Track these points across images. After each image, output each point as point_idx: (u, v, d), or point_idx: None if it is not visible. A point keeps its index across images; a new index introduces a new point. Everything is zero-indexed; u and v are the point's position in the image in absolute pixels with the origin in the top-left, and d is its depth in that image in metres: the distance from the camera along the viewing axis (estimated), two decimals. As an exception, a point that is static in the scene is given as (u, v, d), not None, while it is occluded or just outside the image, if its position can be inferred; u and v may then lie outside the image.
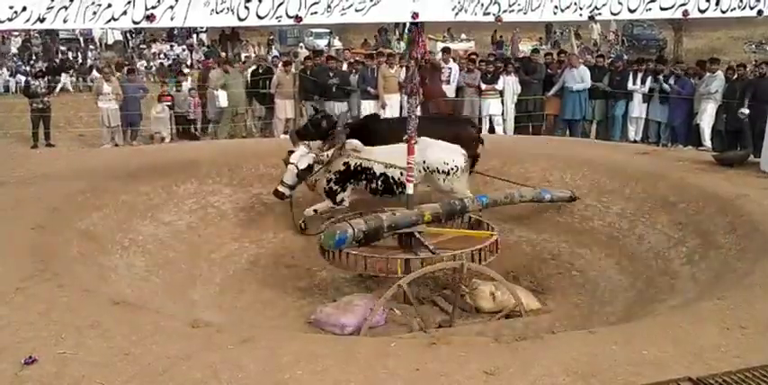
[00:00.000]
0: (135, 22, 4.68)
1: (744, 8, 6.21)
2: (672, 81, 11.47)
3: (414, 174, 6.04)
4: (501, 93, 12.18)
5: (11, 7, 4.36)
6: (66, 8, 4.47)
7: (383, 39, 27.27)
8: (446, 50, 13.31)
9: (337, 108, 12.16)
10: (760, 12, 6.28)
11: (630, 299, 5.63)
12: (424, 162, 6.45)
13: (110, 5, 4.54)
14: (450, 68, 12.33)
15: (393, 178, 6.55)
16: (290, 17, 4.97)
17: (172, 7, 4.67)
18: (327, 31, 27.36)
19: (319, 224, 6.45)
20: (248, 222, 6.91)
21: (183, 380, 3.21)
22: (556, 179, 7.33)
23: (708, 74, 11.11)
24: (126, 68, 14.34)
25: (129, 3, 4.58)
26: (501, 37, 27.01)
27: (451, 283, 6.17)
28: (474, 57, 13.69)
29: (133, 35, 26.19)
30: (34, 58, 22.82)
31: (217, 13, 4.78)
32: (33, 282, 4.19)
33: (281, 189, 6.45)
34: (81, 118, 14.01)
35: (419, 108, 7.10)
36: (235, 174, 7.27)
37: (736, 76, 11.07)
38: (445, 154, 6.55)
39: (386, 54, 13.53)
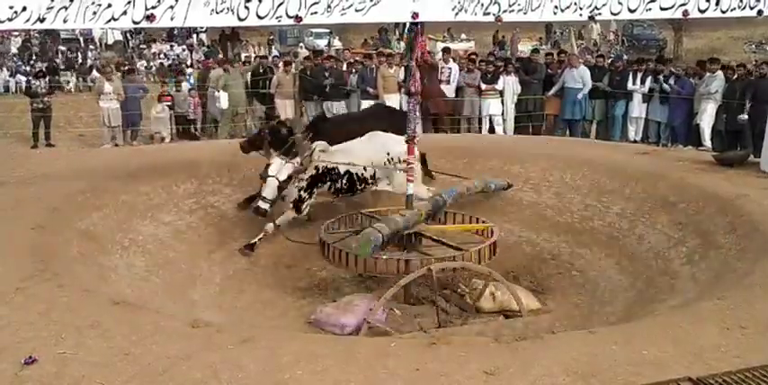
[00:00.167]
0: (135, 22, 4.68)
1: (744, 8, 6.21)
2: (672, 81, 11.48)
3: (379, 167, 6.24)
4: (501, 93, 12.19)
5: (11, 7, 4.36)
6: (66, 8, 4.47)
7: (383, 38, 27.26)
8: (446, 50, 13.32)
9: (335, 108, 12.18)
10: (760, 12, 6.28)
11: (630, 299, 5.63)
12: (389, 154, 6.50)
13: (110, 5, 4.54)
14: (450, 68, 12.34)
15: (357, 175, 6.52)
16: (290, 17, 4.97)
17: (172, 7, 4.67)
18: (327, 31, 27.36)
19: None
20: (248, 222, 6.91)
21: (183, 380, 3.21)
22: (556, 179, 7.33)
23: (708, 74, 11.12)
24: (126, 68, 14.35)
25: (129, 3, 4.58)
26: (503, 37, 26.98)
27: (451, 283, 6.18)
28: (474, 57, 13.70)
29: (133, 35, 26.18)
30: (34, 58, 22.81)
31: (217, 13, 4.78)
32: (33, 282, 4.18)
33: (262, 205, 6.07)
34: (81, 118, 14.01)
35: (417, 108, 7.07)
36: (235, 174, 7.27)
37: (736, 76, 11.07)
38: (405, 147, 6.56)
39: (385, 54, 13.55)
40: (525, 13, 5.57)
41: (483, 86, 12.16)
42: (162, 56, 24.24)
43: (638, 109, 11.77)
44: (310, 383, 3.22)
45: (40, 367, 3.26)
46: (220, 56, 19.52)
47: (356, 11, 5.08)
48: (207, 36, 27.58)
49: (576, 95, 11.78)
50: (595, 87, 11.87)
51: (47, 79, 13.37)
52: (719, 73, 11.13)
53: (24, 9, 4.39)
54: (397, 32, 25.38)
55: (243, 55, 23.05)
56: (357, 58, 13.30)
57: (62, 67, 20.82)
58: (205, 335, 3.68)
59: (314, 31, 27.49)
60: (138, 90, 12.91)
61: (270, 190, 5.99)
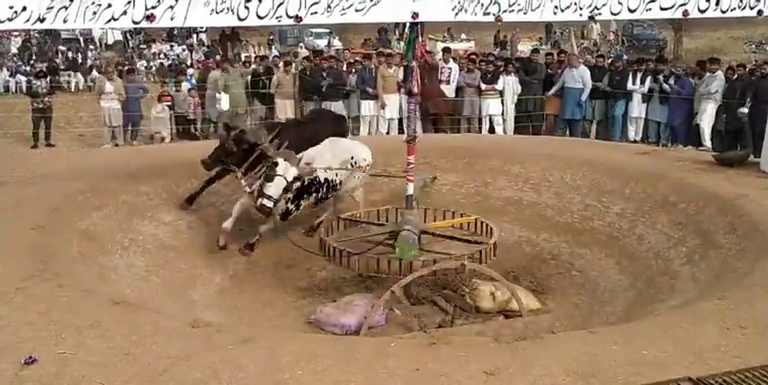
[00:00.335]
0: (135, 22, 4.68)
1: (744, 8, 6.21)
2: (672, 81, 11.47)
3: (344, 172, 6.19)
4: (501, 93, 12.18)
5: (11, 7, 4.36)
6: (66, 8, 4.47)
7: (383, 38, 27.26)
8: (446, 50, 13.32)
9: (334, 108, 12.17)
10: (760, 12, 6.28)
11: (630, 299, 5.63)
12: (352, 158, 6.46)
13: (110, 5, 4.55)
14: (450, 68, 12.34)
15: (331, 181, 6.35)
16: (290, 17, 4.98)
17: (172, 7, 4.67)
18: (327, 31, 27.35)
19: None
20: (248, 222, 6.90)
21: (183, 380, 3.21)
22: (556, 179, 7.33)
23: (708, 74, 11.11)
24: (126, 68, 14.36)
25: (129, 3, 4.58)
26: (505, 37, 26.95)
27: (451, 283, 6.18)
28: (474, 57, 13.69)
29: (133, 35, 26.18)
30: (33, 58, 22.82)
31: (217, 13, 4.78)
32: (33, 282, 4.18)
33: (267, 203, 5.59)
34: (81, 118, 14.01)
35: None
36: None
37: (735, 76, 11.07)
38: (365, 151, 6.61)
39: (385, 54, 13.54)
40: (525, 13, 5.58)
41: (483, 86, 12.15)
42: (162, 56, 24.24)
43: (637, 109, 11.76)
44: (310, 383, 3.22)
45: (40, 367, 3.26)
46: (218, 56, 19.51)
47: (356, 11, 5.09)
48: (207, 36, 27.58)
49: (576, 95, 11.78)
50: (595, 87, 11.86)
51: (48, 79, 13.37)
52: (719, 73, 11.13)
53: (24, 9, 4.39)
54: (396, 32, 25.38)
55: (243, 55, 23.06)
56: (357, 58, 13.29)
57: (62, 67, 20.81)
58: (205, 335, 3.68)
59: (314, 31, 27.48)
60: (137, 90, 12.91)
61: (275, 189, 5.70)
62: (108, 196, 6.13)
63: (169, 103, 13.02)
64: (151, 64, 22.66)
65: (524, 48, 23.15)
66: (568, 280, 6.36)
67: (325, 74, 12.16)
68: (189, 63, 21.69)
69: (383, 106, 11.94)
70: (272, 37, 27.95)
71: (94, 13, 4.53)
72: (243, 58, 19.80)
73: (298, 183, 5.93)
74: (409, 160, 5.89)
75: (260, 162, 5.95)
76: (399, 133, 10.75)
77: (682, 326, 3.80)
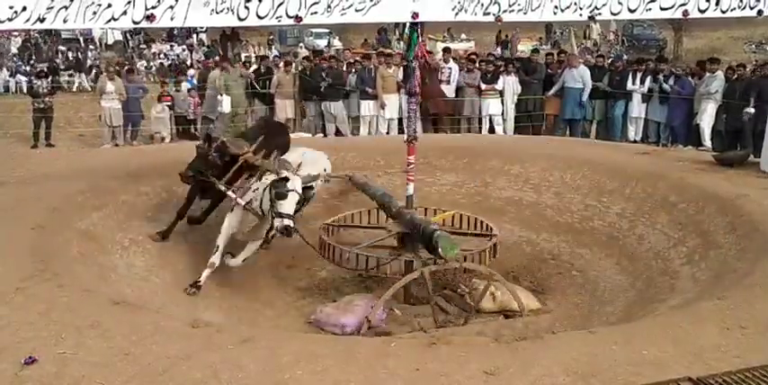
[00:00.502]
0: (135, 22, 4.68)
1: (744, 8, 6.21)
2: (671, 81, 11.47)
3: (319, 182, 5.97)
4: (501, 93, 12.19)
5: (11, 7, 4.36)
6: (66, 8, 4.47)
7: (383, 38, 27.26)
8: (446, 50, 13.32)
9: (333, 108, 12.18)
10: (760, 12, 6.28)
11: (630, 299, 5.63)
12: (325, 169, 6.38)
13: (110, 5, 4.55)
14: (450, 68, 12.34)
15: (315, 193, 6.04)
16: (290, 17, 4.97)
17: (172, 7, 4.67)
18: (327, 31, 27.36)
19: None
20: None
21: (183, 380, 3.21)
22: (556, 179, 7.33)
23: (708, 74, 11.11)
24: (126, 68, 14.36)
25: (129, 3, 4.58)
26: (507, 36, 26.92)
27: (451, 283, 6.18)
28: (474, 57, 13.70)
29: (133, 35, 26.18)
30: (33, 58, 22.82)
31: (217, 13, 4.78)
32: (33, 282, 4.18)
33: (291, 223, 5.16)
34: (81, 118, 14.01)
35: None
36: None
37: (735, 76, 11.07)
38: (328, 161, 6.57)
39: (385, 54, 13.55)
40: (525, 13, 5.58)
41: (483, 86, 12.16)
42: (162, 56, 24.24)
43: (637, 109, 11.77)
44: (310, 383, 3.22)
45: (40, 367, 3.26)
46: (217, 57, 19.51)
47: (356, 11, 5.09)
48: (207, 36, 27.58)
49: (576, 95, 11.78)
50: (595, 87, 11.87)
51: (49, 79, 13.38)
52: (719, 73, 11.13)
53: (24, 9, 4.39)
54: (396, 32, 25.38)
55: (243, 55, 23.07)
56: (356, 59, 13.30)
57: (62, 67, 20.81)
58: (205, 335, 3.68)
59: (314, 31, 27.48)
60: (137, 90, 12.92)
61: (291, 206, 5.26)
62: (108, 196, 6.12)
63: (169, 103, 13.04)
64: (151, 64, 22.67)
65: (524, 48, 23.16)
66: (568, 280, 6.36)
67: (324, 74, 12.17)
68: (189, 63, 21.70)
69: (383, 106, 11.94)
70: (272, 37, 27.95)
71: (94, 13, 4.53)
72: (243, 58, 19.81)
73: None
74: (409, 160, 5.89)
75: (241, 173, 5.70)
76: (399, 133, 10.75)
77: (682, 326, 3.80)
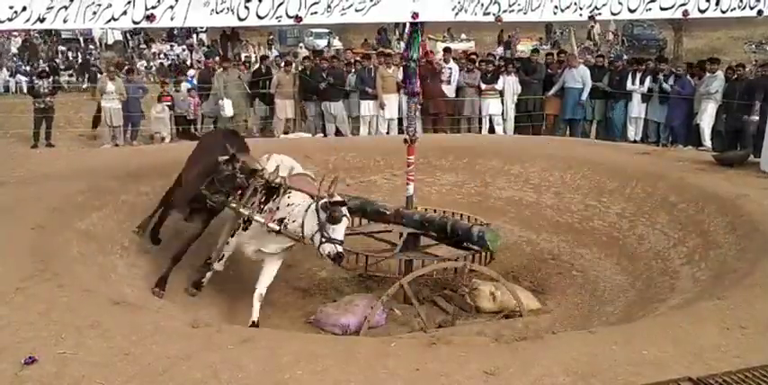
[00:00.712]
0: (135, 22, 4.68)
1: (744, 8, 6.22)
2: (671, 81, 11.47)
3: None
4: (501, 93, 12.19)
5: (11, 7, 4.36)
6: (66, 8, 4.47)
7: (383, 38, 27.26)
8: (447, 50, 13.33)
9: (333, 108, 12.18)
10: (760, 12, 6.29)
11: (630, 299, 5.63)
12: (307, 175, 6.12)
13: (110, 5, 4.55)
14: (450, 68, 12.34)
15: None
16: (290, 17, 4.98)
17: (172, 7, 4.67)
18: (327, 31, 27.36)
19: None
20: (248, 222, 6.90)
21: (183, 380, 3.21)
22: (556, 179, 7.34)
23: (708, 74, 11.11)
24: (126, 68, 14.36)
25: (129, 3, 4.58)
26: (509, 36, 26.91)
27: (451, 283, 6.18)
28: (474, 57, 13.70)
29: (133, 35, 26.19)
30: (29, 58, 22.80)
31: (217, 13, 4.78)
32: (33, 282, 4.18)
33: (342, 250, 4.92)
34: (81, 118, 14.00)
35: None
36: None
37: (735, 76, 11.06)
38: (301, 168, 6.19)
39: (385, 54, 13.55)
40: (525, 13, 5.58)
41: (483, 86, 12.16)
42: (162, 56, 24.24)
43: (637, 109, 11.77)
44: (310, 383, 3.22)
45: (40, 367, 3.26)
46: (217, 57, 19.53)
47: (356, 11, 5.09)
48: (207, 36, 27.58)
49: (576, 96, 11.79)
50: (595, 87, 11.87)
51: (50, 79, 13.38)
52: (719, 73, 11.13)
53: (24, 9, 4.39)
54: (396, 32, 25.38)
55: (243, 55, 23.06)
56: (356, 59, 13.31)
57: (62, 67, 20.81)
58: (205, 335, 3.68)
59: (314, 31, 27.48)
60: (137, 90, 12.92)
61: (344, 230, 4.95)
62: (108, 196, 6.12)
63: (169, 103, 13.03)
64: (151, 64, 22.67)
65: (524, 48, 23.16)
66: (568, 280, 6.36)
67: (325, 74, 12.17)
68: (189, 63, 21.69)
69: (382, 106, 11.94)
70: (271, 37, 27.95)
71: (94, 13, 4.53)
72: (243, 58, 19.80)
73: None
74: (409, 160, 5.89)
75: (255, 193, 5.28)
76: (399, 133, 10.75)
77: (682, 326, 3.80)
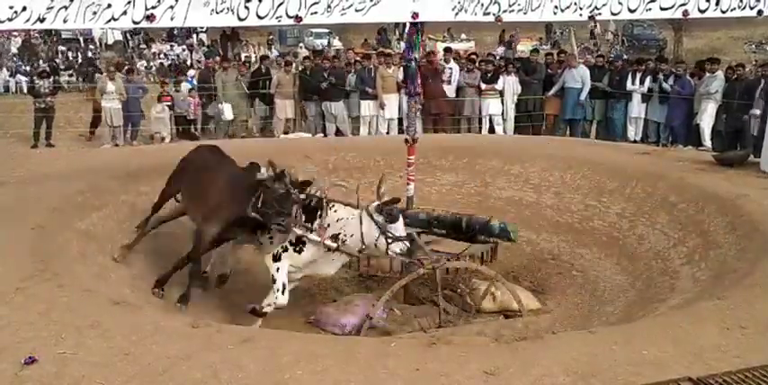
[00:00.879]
0: (135, 22, 4.68)
1: (744, 8, 6.22)
2: (671, 81, 11.47)
3: None
4: (501, 93, 12.19)
5: (11, 7, 4.36)
6: (66, 8, 4.47)
7: (383, 38, 27.26)
8: (447, 50, 13.33)
9: (334, 108, 12.18)
10: (760, 12, 6.29)
11: (630, 299, 5.63)
12: None
13: (110, 5, 4.55)
14: (450, 68, 12.34)
15: None
16: (290, 17, 4.98)
17: (172, 7, 4.67)
18: (327, 31, 27.35)
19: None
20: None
21: (183, 380, 3.21)
22: (556, 179, 7.34)
23: (707, 74, 11.11)
24: (126, 68, 14.35)
25: (129, 3, 4.58)
26: (511, 36, 26.89)
27: (451, 283, 6.18)
28: (474, 57, 13.70)
29: (133, 35, 26.19)
30: (27, 59, 22.82)
31: (217, 13, 4.78)
32: (33, 282, 4.18)
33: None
34: (81, 118, 13.99)
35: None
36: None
37: (735, 76, 11.06)
38: None
39: (385, 54, 13.54)
40: (525, 13, 5.58)
41: (483, 86, 12.16)
42: (162, 56, 24.24)
43: (637, 109, 11.77)
44: (310, 383, 3.22)
45: (40, 367, 3.26)
46: (218, 57, 19.50)
47: (356, 11, 5.09)
48: (207, 36, 27.57)
49: (576, 96, 11.79)
50: (595, 87, 11.87)
51: (51, 79, 13.38)
52: (719, 73, 11.12)
53: (24, 9, 4.39)
54: (396, 32, 25.38)
55: (243, 55, 23.06)
56: (356, 59, 13.31)
57: (62, 67, 20.80)
58: (205, 335, 3.68)
59: (314, 31, 27.48)
60: (137, 90, 12.91)
61: (403, 226, 4.99)
62: (108, 196, 6.13)
63: (169, 103, 13.02)
64: (151, 64, 22.66)
65: (524, 48, 23.16)
66: (568, 280, 6.36)
67: (327, 74, 12.17)
68: (189, 63, 21.69)
69: (382, 106, 11.94)
70: (271, 37, 27.94)
71: (94, 13, 4.53)
72: (243, 58, 19.79)
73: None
74: (409, 160, 5.89)
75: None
76: (399, 133, 10.75)
77: (682, 326, 3.80)
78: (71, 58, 23.03)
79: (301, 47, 25.59)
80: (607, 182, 7.01)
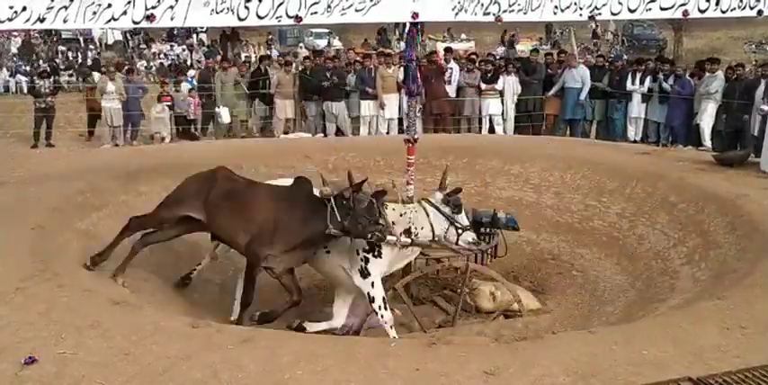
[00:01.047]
0: (135, 22, 4.68)
1: (744, 8, 6.21)
2: (671, 81, 11.47)
3: None
4: (501, 92, 12.18)
5: (11, 7, 4.36)
6: (66, 8, 4.47)
7: (383, 38, 27.25)
8: (448, 50, 13.33)
9: (335, 108, 12.18)
10: (760, 12, 6.28)
11: (630, 300, 5.63)
12: None
13: (110, 5, 4.55)
14: (450, 68, 12.34)
15: None
16: (289, 17, 4.97)
17: (172, 7, 4.67)
18: (327, 31, 27.35)
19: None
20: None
21: (183, 380, 3.21)
22: (556, 179, 7.34)
23: (707, 74, 11.11)
24: (126, 68, 14.35)
25: (129, 3, 4.58)
26: (513, 36, 26.86)
27: (451, 283, 6.18)
28: (474, 57, 13.71)
29: (133, 35, 26.19)
30: (34, 57, 22.82)
31: (217, 13, 4.78)
32: (33, 282, 4.18)
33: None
34: (81, 118, 13.99)
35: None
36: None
37: (735, 76, 11.06)
38: None
39: (385, 54, 13.54)
40: (525, 13, 5.58)
41: (483, 86, 12.16)
42: (162, 56, 24.25)
43: (637, 109, 11.77)
44: (310, 383, 3.22)
45: (40, 367, 3.26)
46: (218, 56, 19.49)
47: (356, 11, 5.08)
48: (207, 36, 27.58)
49: (576, 96, 11.78)
50: (595, 87, 11.87)
51: (51, 79, 13.38)
52: (719, 73, 11.12)
53: (24, 9, 4.39)
54: (396, 32, 25.37)
55: (243, 55, 23.07)
56: (357, 59, 13.31)
57: (62, 67, 20.80)
58: (205, 335, 3.68)
59: (314, 31, 27.48)
60: (137, 90, 12.92)
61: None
62: (108, 196, 6.12)
63: (169, 103, 13.03)
64: (151, 64, 22.67)
65: (524, 47, 23.16)
66: (568, 280, 6.36)
67: (329, 74, 12.17)
68: (189, 63, 21.69)
69: (382, 106, 11.94)
70: (270, 37, 27.94)
71: (94, 13, 4.53)
72: (243, 58, 19.79)
73: None
74: (409, 160, 5.89)
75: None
76: (399, 133, 10.75)
77: (682, 326, 3.80)
78: (71, 58, 23.03)
79: (301, 47, 25.60)
80: (607, 182, 7.01)
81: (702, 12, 6.09)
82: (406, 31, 5.82)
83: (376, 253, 4.88)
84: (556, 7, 5.63)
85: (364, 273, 4.88)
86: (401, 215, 5.00)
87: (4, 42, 24.30)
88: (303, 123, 12.83)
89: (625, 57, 20.56)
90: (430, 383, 3.22)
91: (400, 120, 11.60)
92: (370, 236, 4.57)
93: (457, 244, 4.94)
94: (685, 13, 6.05)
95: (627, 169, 7.13)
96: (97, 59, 22.23)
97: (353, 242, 4.80)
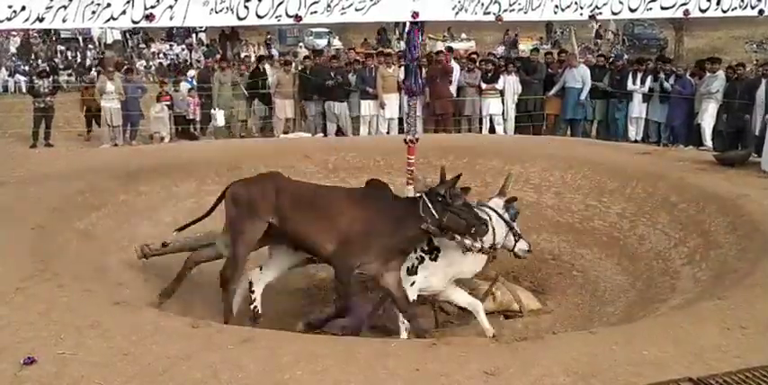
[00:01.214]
0: (134, 22, 4.67)
1: (745, 8, 6.21)
2: (672, 81, 11.46)
3: None
4: (501, 92, 12.18)
5: (10, 7, 4.35)
6: (65, 7, 4.46)
7: (383, 38, 27.25)
8: (449, 50, 13.33)
9: (336, 108, 12.18)
10: (761, 11, 6.28)
11: (631, 300, 5.63)
12: None
13: (109, 5, 4.54)
14: (451, 68, 12.34)
15: None
16: (289, 16, 4.97)
17: (171, 7, 4.66)
18: (327, 30, 27.34)
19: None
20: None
21: (183, 380, 3.21)
22: (556, 179, 7.33)
23: (708, 74, 11.10)
24: (125, 68, 14.36)
25: (128, 2, 4.57)
26: (516, 35, 26.82)
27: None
28: (474, 56, 13.71)
29: (132, 35, 26.19)
30: (33, 57, 22.82)
31: (216, 12, 4.77)
32: (33, 282, 4.18)
33: None
34: (80, 118, 13.99)
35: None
36: (235, 174, 7.24)
37: (736, 75, 11.06)
38: None
39: (385, 53, 13.54)
40: (526, 13, 5.57)
41: (483, 86, 12.15)
42: (161, 55, 24.24)
43: (637, 109, 11.76)
44: (310, 383, 3.21)
45: (39, 367, 3.25)
46: (218, 56, 19.47)
47: (356, 10, 5.08)
48: (206, 35, 27.57)
49: (577, 96, 11.78)
50: (596, 87, 11.86)
51: (50, 79, 13.38)
52: (720, 73, 11.12)
53: (23, 8, 4.38)
54: (396, 32, 25.36)
55: (242, 54, 23.06)
56: (357, 58, 13.30)
57: (61, 66, 20.79)
58: (205, 335, 3.67)
59: (314, 30, 27.47)
60: (136, 90, 12.91)
61: None
62: (108, 196, 6.12)
63: (168, 103, 13.02)
64: (150, 63, 22.66)
65: (524, 47, 23.16)
66: (569, 280, 6.36)
67: (332, 73, 12.17)
68: (188, 63, 21.68)
69: (383, 106, 11.94)
70: (269, 37, 27.92)
71: (93, 12, 4.52)
72: (243, 58, 19.78)
73: None
74: (410, 160, 5.88)
75: None
76: (399, 133, 10.74)
77: (682, 327, 3.80)
78: (70, 58, 23.02)
79: (301, 46, 25.58)
80: (608, 182, 7.00)
81: (703, 11, 6.09)
82: (407, 30, 5.82)
83: (433, 255, 4.75)
84: (556, 6, 5.63)
85: (411, 271, 4.77)
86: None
87: (2, 42, 24.28)
88: (303, 123, 12.83)
89: (626, 56, 20.54)
90: (430, 383, 3.22)
91: (400, 119, 11.59)
92: (473, 230, 4.40)
93: (512, 251, 4.89)
94: (686, 12, 6.05)
95: (627, 169, 7.13)
96: (100, 59, 22.24)
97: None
